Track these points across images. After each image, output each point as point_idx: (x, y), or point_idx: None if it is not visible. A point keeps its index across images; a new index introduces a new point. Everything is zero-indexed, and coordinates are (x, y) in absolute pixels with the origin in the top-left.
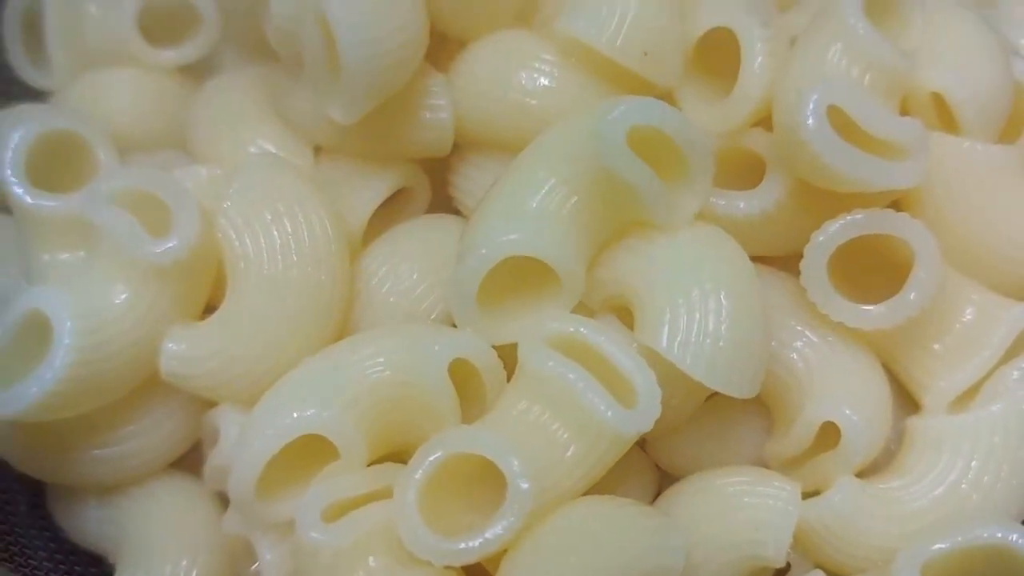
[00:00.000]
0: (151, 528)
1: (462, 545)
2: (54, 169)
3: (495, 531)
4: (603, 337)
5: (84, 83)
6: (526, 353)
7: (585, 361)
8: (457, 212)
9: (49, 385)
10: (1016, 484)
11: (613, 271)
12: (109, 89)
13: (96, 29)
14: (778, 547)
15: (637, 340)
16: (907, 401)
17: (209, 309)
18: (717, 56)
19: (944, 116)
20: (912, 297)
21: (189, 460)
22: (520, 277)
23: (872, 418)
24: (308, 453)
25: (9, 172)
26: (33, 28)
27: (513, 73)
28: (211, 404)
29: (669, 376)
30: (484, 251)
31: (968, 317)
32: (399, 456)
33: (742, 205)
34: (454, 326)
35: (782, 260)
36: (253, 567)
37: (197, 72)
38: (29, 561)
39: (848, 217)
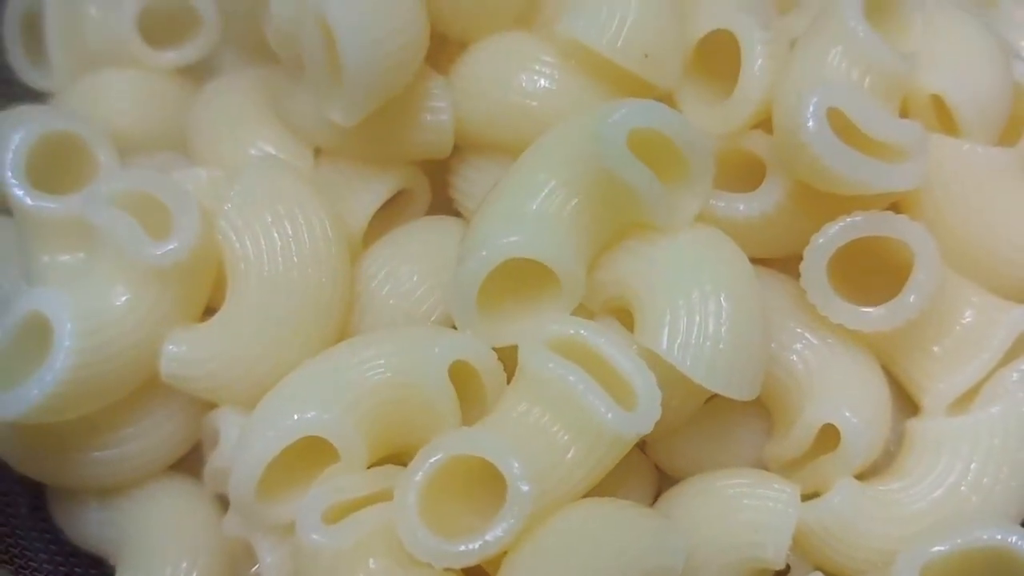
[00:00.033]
0: (151, 530)
1: (462, 547)
2: (54, 171)
3: (495, 533)
4: (603, 339)
5: (84, 85)
6: (526, 355)
7: (585, 363)
8: (457, 214)
9: (49, 387)
10: (1015, 486)
11: (613, 273)
12: (109, 91)
13: (96, 30)
14: (778, 549)
15: (637, 342)
16: (907, 403)
17: (209, 311)
18: (717, 58)
19: (944, 118)
20: (911, 299)
21: (189, 462)
22: (520, 279)
23: (872, 420)
24: (308, 455)
25: (9, 174)
26: (33, 29)
27: (513, 75)
28: (211, 406)
29: (669, 378)
30: (484, 253)
31: (967, 319)
32: (399, 458)
33: (742, 207)
34: (454, 328)
35: (782, 262)
36: (253, 569)
37: (197, 74)
38: (29, 563)
39: (848, 219)
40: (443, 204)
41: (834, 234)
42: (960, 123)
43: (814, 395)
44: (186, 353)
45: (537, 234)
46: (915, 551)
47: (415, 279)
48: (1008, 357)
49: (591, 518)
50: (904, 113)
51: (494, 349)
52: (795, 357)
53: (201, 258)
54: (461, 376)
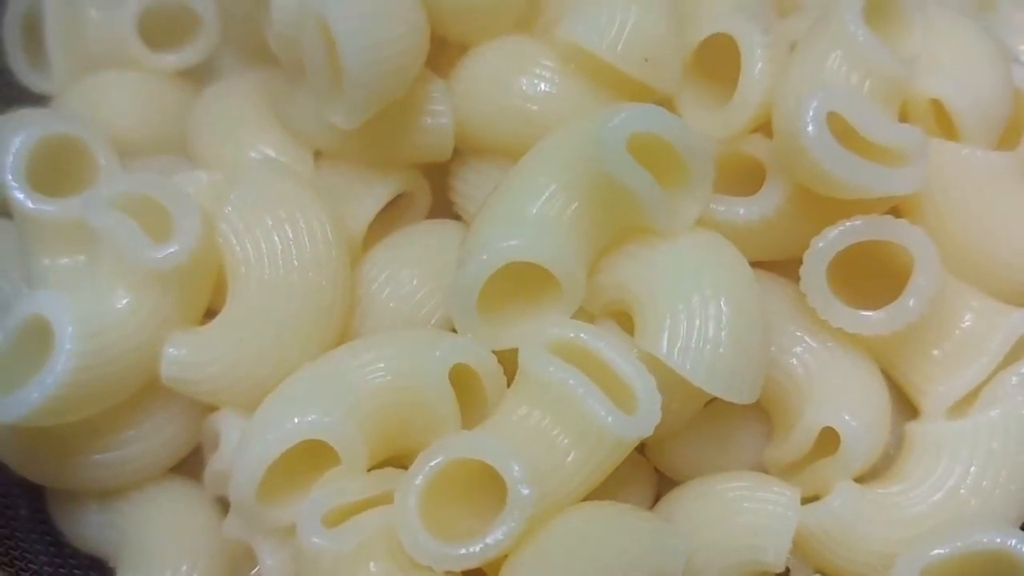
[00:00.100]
0: (152, 532)
1: (463, 550)
2: (55, 173)
3: (496, 536)
4: (603, 343)
5: (84, 87)
6: (526, 358)
7: (585, 367)
8: (457, 217)
9: (50, 390)
10: (1015, 489)
11: (613, 277)
12: (109, 93)
13: (96, 33)
14: (777, 552)
15: (637, 346)
16: (906, 406)
17: (210, 314)
18: (717, 62)
19: (943, 122)
20: (911, 303)
21: (190, 464)
22: (521, 282)
23: (871, 423)
24: (309, 458)
25: (10, 177)
26: (33, 32)
27: (514, 79)
28: (212, 409)
29: (669, 381)
30: (485, 257)
31: (967, 323)
32: (400, 461)
33: (742, 211)
34: (454, 331)
35: (782, 265)
36: (253, 572)
37: (197, 76)
38: (29, 565)
39: (847, 223)
40: (443, 207)
41: (834, 238)
42: (960, 127)
43: (814, 398)
44: (187, 356)
45: (537, 238)
46: (915, 554)
47: (415, 282)
48: (1007, 361)
49: (591, 521)
50: (904, 117)
51: (494, 352)
52: (795, 361)
53: (202, 261)
54: (461, 379)
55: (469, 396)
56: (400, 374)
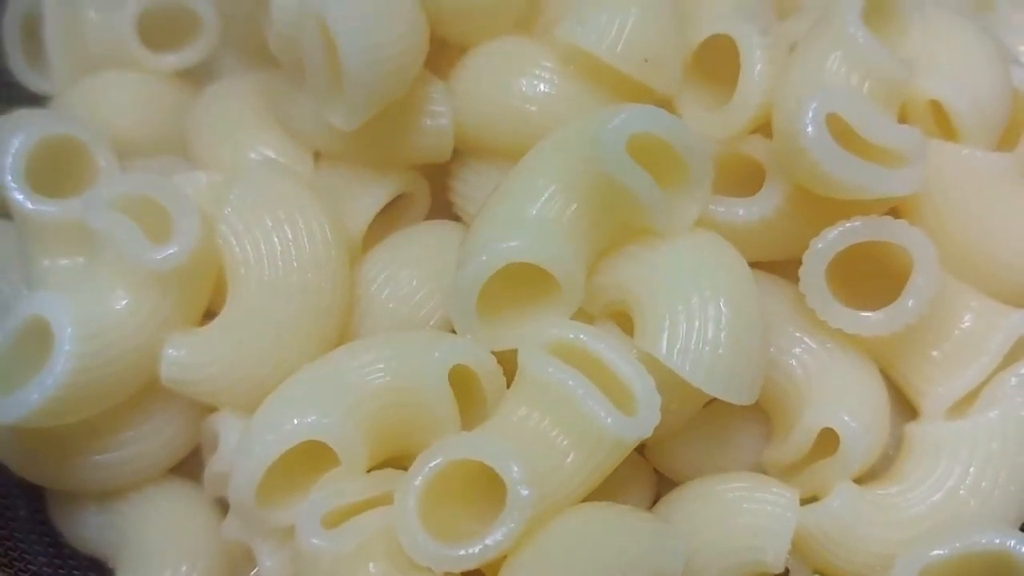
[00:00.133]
0: (151, 533)
1: (462, 551)
2: (54, 174)
3: (495, 537)
4: (603, 344)
5: (84, 88)
6: (526, 359)
7: (585, 367)
8: (457, 218)
9: (50, 391)
10: (1014, 490)
11: (613, 277)
12: (109, 94)
13: (96, 34)
14: (777, 553)
15: (637, 346)
16: (905, 407)
17: (209, 315)
18: (717, 63)
19: (943, 123)
20: (910, 304)
21: (189, 465)
22: (520, 283)
23: (870, 424)
24: (308, 459)
25: (9, 178)
26: (33, 33)
27: (513, 79)
28: (211, 410)
29: (668, 382)
30: (484, 258)
31: (966, 324)
32: (399, 462)
33: (741, 212)
34: (454, 332)
35: (781, 266)
36: (253, 573)
37: (197, 77)
38: (29, 567)
39: (847, 224)
40: (443, 208)
41: (833, 239)
42: (959, 128)
43: (813, 399)
44: (186, 357)
45: (537, 239)
46: (914, 555)
47: (415, 283)
48: (1007, 361)
49: (591, 522)
50: (903, 118)
51: (494, 353)
52: (794, 361)
53: (201, 262)
54: (461, 380)
55: (468, 397)
56: (399, 375)
